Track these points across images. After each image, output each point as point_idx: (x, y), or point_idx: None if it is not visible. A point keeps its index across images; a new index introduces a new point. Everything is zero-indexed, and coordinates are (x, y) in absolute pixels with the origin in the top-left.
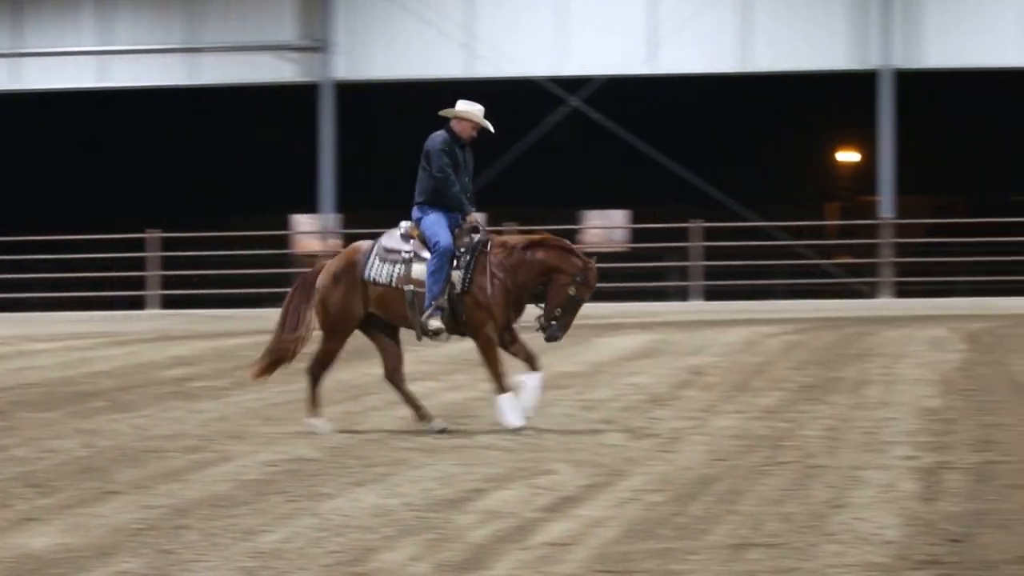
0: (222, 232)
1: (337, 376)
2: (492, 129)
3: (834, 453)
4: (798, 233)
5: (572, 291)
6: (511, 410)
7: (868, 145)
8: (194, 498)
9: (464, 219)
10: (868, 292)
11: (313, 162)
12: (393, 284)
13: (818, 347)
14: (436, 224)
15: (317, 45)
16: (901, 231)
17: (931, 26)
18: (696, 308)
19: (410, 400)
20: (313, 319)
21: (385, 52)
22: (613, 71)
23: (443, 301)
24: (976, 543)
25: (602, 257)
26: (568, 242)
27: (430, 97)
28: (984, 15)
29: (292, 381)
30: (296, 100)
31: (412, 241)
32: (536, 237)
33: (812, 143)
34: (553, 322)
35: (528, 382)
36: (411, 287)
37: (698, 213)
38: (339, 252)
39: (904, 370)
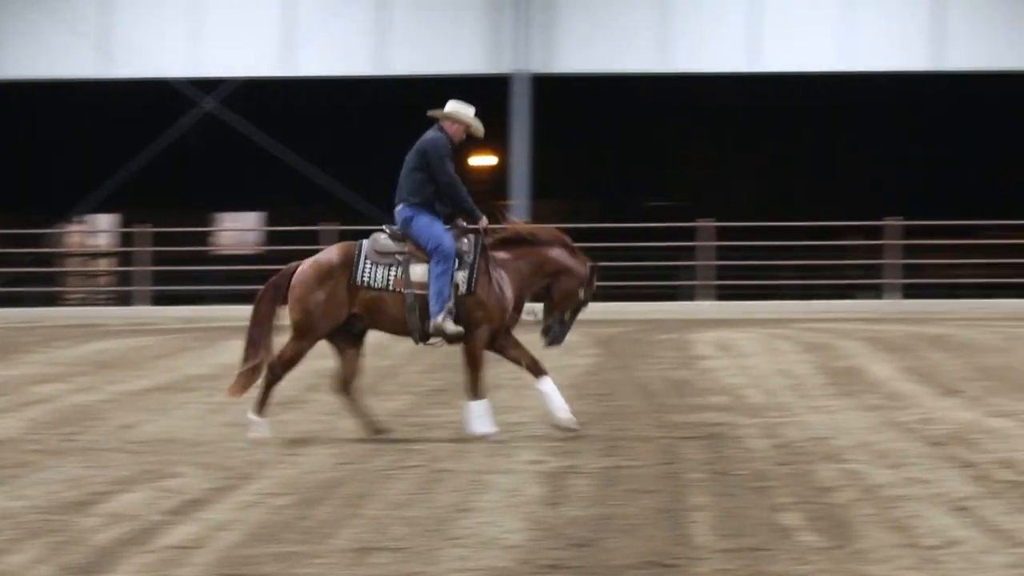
0: None
1: None
2: (482, 133)
3: (461, 457)
4: None
5: (582, 294)
6: (481, 417)
7: (503, 149)
8: None
9: (477, 223)
10: None
11: None
12: (390, 288)
13: (448, 351)
14: (432, 227)
15: None
16: None
17: (568, 31)
18: None
19: (360, 413)
20: (278, 325)
21: (18, 51)
22: (247, 73)
23: (452, 304)
24: (600, 547)
25: (235, 259)
26: (569, 240)
27: (63, 97)
28: (621, 22)
29: None
30: None
31: (405, 244)
32: (538, 233)
33: None
34: (557, 326)
35: (542, 388)
36: (412, 291)
37: (332, 216)
38: (315, 254)
39: None
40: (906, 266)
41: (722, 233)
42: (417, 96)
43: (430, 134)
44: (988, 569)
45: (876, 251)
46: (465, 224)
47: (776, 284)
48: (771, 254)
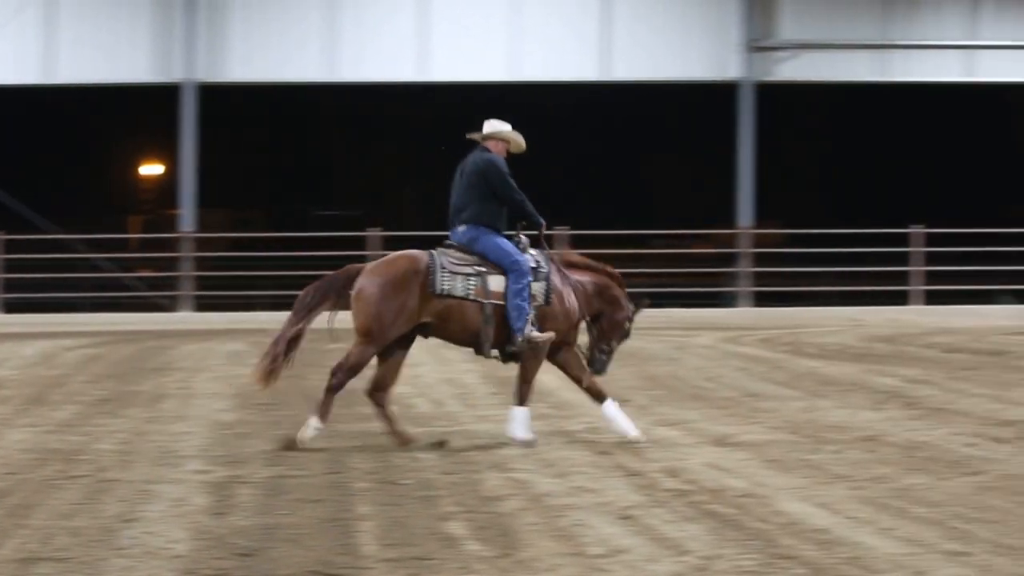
0: None
1: None
2: (524, 147)
3: (127, 467)
4: (100, 246)
5: (628, 325)
6: (523, 423)
7: (172, 158)
8: None
9: (540, 229)
10: (169, 305)
11: None
12: (471, 297)
13: (116, 360)
14: (501, 244)
15: None
16: (202, 245)
17: (236, 41)
18: None
19: (388, 419)
20: (319, 316)
21: None
22: None
23: (533, 316)
24: (265, 557)
25: None
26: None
27: None
28: (289, 32)
29: None
30: None
31: (475, 257)
32: (597, 264)
33: (117, 155)
34: (603, 355)
35: (606, 412)
36: (490, 301)
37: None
38: (384, 257)
39: (201, 384)
40: None
41: (390, 242)
42: (86, 104)
43: (482, 156)
44: None
45: None
46: (526, 230)
47: None
48: None
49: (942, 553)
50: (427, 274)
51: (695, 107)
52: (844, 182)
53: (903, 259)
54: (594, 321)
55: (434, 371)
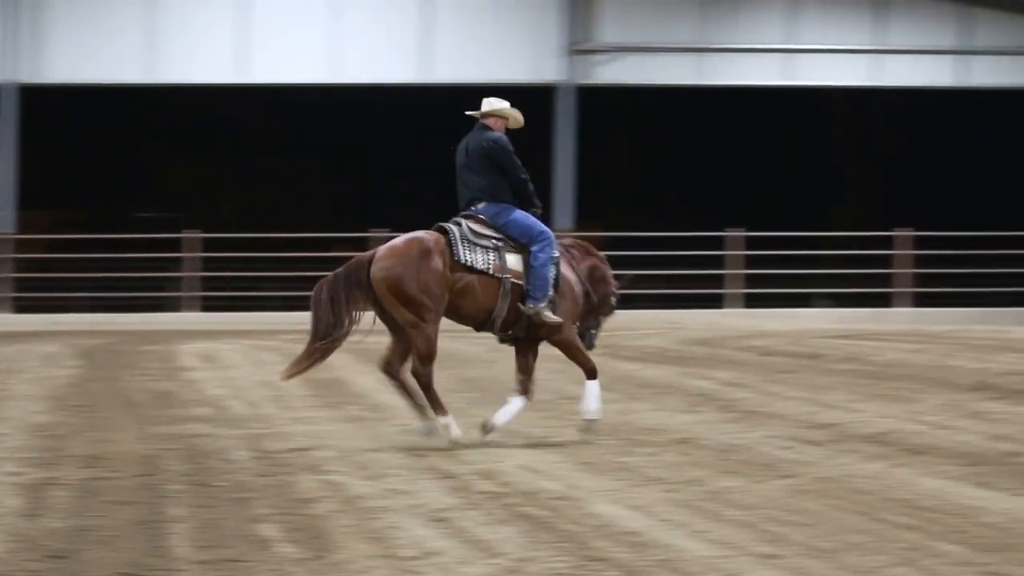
0: None
1: None
2: (522, 123)
3: None
4: None
5: (614, 301)
6: (597, 397)
7: None
8: None
9: (537, 209)
10: None
11: None
12: (491, 272)
13: None
14: (529, 218)
15: None
16: (21, 246)
17: (56, 41)
18: None
19: (408, 393)
20: (356, 315)
21: None
22: None
23: (553, 295)
24: (77, 559)
25: None
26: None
27: None
28: (110, 33)
29: None
30: None
31: (495, 230)
32: (584, 244)
33: None
34: (592, 330)
35: (515, 404)
36: (508, 277)
37: None
38: (392, 239)
39: (16, 386)
40: None
41: (208, 244)
42: None
43: (485, 135)
44: None
45: None
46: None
47: (261, 296)
48: (257, 265)
49: (755, 556)
50: (448, 246)
51: (517, 109)
52: (665, 185)
53: (721, 262)
54: (585, 298)
55: (250, 373)
